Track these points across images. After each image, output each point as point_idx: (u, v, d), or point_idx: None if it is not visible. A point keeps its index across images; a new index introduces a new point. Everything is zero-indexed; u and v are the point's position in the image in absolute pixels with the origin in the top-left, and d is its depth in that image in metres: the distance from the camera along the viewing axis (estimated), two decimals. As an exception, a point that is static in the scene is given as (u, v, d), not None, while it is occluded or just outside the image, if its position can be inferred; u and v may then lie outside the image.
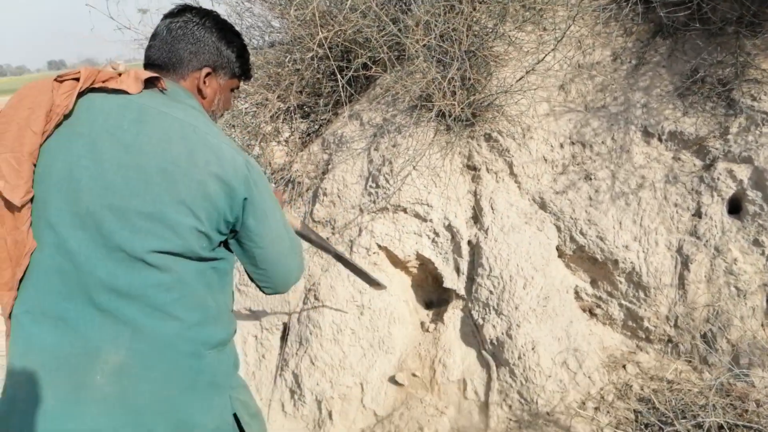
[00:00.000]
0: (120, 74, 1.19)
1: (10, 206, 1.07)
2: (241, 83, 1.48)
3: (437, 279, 2.72)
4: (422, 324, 2.66)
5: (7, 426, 1.07)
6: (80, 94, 1.14)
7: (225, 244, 1.25)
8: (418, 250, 2.60)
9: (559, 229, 2.41)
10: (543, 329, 2.28)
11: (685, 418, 1.81)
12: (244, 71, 1.42)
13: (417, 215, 2.53)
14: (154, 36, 1.32)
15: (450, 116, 2.47)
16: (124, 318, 1.08)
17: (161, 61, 1.28)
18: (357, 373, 2.52)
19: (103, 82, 1.16)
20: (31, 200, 1.09)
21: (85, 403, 1.05)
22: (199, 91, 1.31)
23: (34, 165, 1.09)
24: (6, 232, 1.08)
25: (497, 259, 2.34)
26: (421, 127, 2.58)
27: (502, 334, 2.31)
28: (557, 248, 2.43)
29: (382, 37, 2.41)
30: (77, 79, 1.14)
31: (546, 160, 2.50)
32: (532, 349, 2.25)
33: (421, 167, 2.50)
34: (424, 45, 2.26)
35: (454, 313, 2.51)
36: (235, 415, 1.27)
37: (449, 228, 2.49)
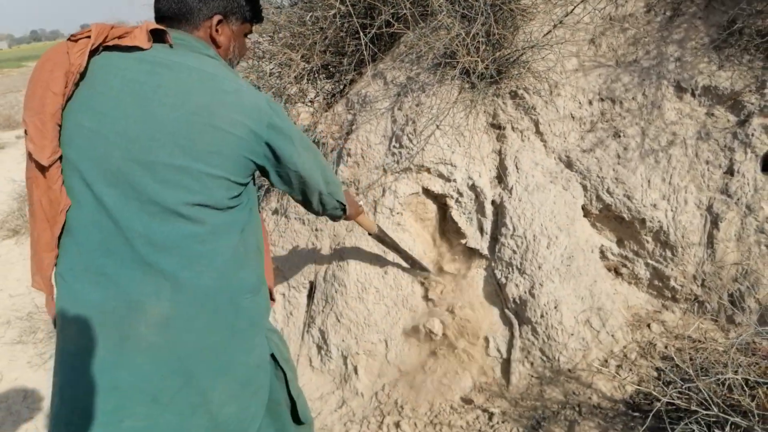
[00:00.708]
0: (133, 29, 1.19)
1: (41, 167, 1.11)
2: (254, 27, 1.47)
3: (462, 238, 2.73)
4: (444, 281, 2.68)
5: (58, 378, 1.14)
6: (94, 52, 1.15)
7: (253, 179, 1.32)
8: (441, 210, 2.60)
9: (585, 188, 2.38)
10: (566, 288, 2.29)
11: (707, 375, 1.81)
12: (255, 14, 1.42)
13: (441, 175, 2.52)
14: None
15: (474, 73, 2.42)
16: (163, 271, 1.12)
17: (171, 12, 1.28)
18: (381, 330, 2.57)
19: (117, 38, 1.16)
20: (60, 159, 1.12)
21: (132, 353, 1.10)
22: (213, 40, 1.31)
23: (59, 126, 1.12)
24: (41, 193, 1.12)
25: (521, 218, 2.33)
26: (445, 86, 2.54)
27: (525, 292, 2.33)
28: (583, 207, 2.41)
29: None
30: (90, 37, 1.14)
31: (573, 117, 2.44)
32: (555, 307, 2.26)
33: (445, 126, 2.48)
34: (448, 0, 2.21)
35: (477, 273, 2.53)
36: (272, 355, 1.35)
37: (473, 188, 2.48)
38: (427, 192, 2.59)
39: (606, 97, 2.44)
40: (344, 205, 1.65)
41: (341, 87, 3.16)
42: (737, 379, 1.67)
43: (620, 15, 2.57)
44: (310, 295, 2.84)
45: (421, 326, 2.56)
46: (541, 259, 2.29)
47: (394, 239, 2.37)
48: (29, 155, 1.12)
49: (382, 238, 2.27)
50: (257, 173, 1.33)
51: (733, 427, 1.62)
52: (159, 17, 1.30)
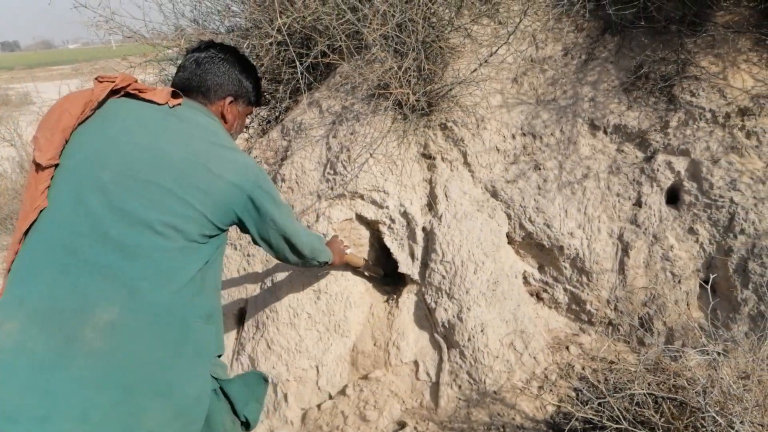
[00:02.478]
0: (155, 88, 1.41)
1: (37, 168, 1.22)
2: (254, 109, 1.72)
3: (393, 263, 2.79)
4: (377, 308, 2.72)
5: None
6: (115, 93, 1.34)
7: (224, 232, 1.44)
8: (375, 234, 2.66)
9: (509, 216, 2.51)
10: (492, 312, 2.38)
11: (618, 392, 1.94)
12: (257, 99, 1.67)
13: (374, 202, 2.58)
14: (182, 68, 1.52)
15: (406, 105, 2.53)
16: (124, 277, 1.16)
17: (191, 86, 1.50)
18: (313, 356, 2.57)
19: (139, 90, 1.36)
20: (55, 167, 1.23)
21: (73, 355, 1.09)
22: (222, 116, 1.55)
23: (66, 140, 1.25)
24: (29, 194, 1.22)
25: (450, 245, 2.42)
26: (378, 116, 2.63)
27: (454, 317, 2.40)
28: (507, 235, 2.53)
29: (341, 25, 2.45)
30: (112, 82, 1.33)
31: (498, 150, 2.59)
32: (481, 331, 2.35)
33: (378, 155, 2.56)
34: (382, 34, 2.31)
35: (408, 297, 2.59)
36: (215, 390, 1.35)
37: (405, 215, 2.56)
38: (360, 218, 2.64)
39: (527, 132, 2.60)
40: (327, 263, 1.95)
41: (276, 114, 3.19)
42: (644, 394, 1.79)
43: (540, 57, 2.77)
44: (240, 322, 2.79)
45: (353, 350, 2.57)
46: (469, 284, 2.38)
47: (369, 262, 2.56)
48: (32, 164, 1.22)
49: (368, 266, 2.47)
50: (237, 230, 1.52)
51: (640, 439, 1.74)
52: (180, 88, 1.49)
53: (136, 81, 1.38)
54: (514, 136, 2.60)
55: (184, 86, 1.51)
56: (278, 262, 2.68)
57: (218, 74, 1.52)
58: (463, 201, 2.50)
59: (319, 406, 2.52)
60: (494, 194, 2.54)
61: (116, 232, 1.18)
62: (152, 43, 3.00)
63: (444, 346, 2.44)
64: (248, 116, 1.72)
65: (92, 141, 1.26)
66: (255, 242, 1.56)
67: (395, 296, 2.68)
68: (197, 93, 1.50)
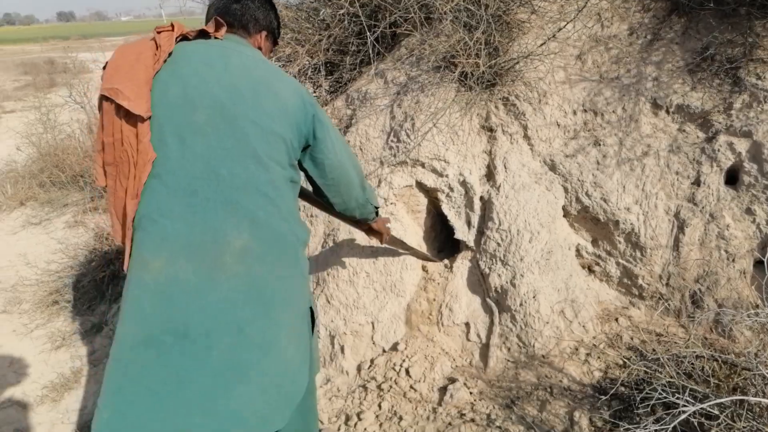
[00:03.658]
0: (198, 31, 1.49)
1: (134, 123, 1.29)
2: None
3: (448, 230, 2.91)
4: (431, 271, 2.85)
5: (139, 307, 1.23)
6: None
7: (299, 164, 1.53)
8: (433, 202, 2.78)
9: (566, 190, 2.58)
10: (544, 280, 2.48)
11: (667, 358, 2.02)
12: (278, 36, 1.78)
13: (434, 170, 2.70)
14: (218, 4, 1.62)
15: (471, 78, 2.62)
16: (244, 210, 1.29)
17: (234, 19, 1.60)
18: (369, 312, 2.72)
19: (192, 31, 1.47)
20: (149, 119, 1.30)
21: (219, 280, 1.24)
22: (259, 49, 1.65)
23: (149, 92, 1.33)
24: (131, 148, 1.29)
25: (507, 214, 2.52)
26: (443, 87, 2.73)
27: (507, 282, 2.51)
28: (563, 208, 2.61)
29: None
30: (171, 30, 1.43)
31: (559, 125, 2.66)
32: (534, 297, 2.45)
33: (441, 125, 2.66)
34: (453, 7, 2.39)
35: (462, 263, 2.70)
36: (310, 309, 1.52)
37: (463, 184, 2.66)
38: (420, 185, 2.76)
39: (589, 109, 2.66)
40: (377, 208, 1.90)
41: (341, 84, 3.32)
42: (693, 356, 1.87)
43: (605, 35, 2.80)
44: (302, 278, 2.97)
45: (407, 309, 2.72)
46: (524, 252, 2.48)
47: (402, 240, 2.54)
48: (120, 115, 1.28)
49: (395, 239, 2.43)
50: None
51: (690, 395, 1.82)
52: (219, 17, 1.57)
53: (184, 27, 1.46)
54: (575, 112, 2.66)
55: (228, 18, 1.59)
56: (337, 222, 2.83)
57: (255, 9, 1.62)
58: (521, 173, 2.58)
59: (372, 359, 2.68)
60: (552, 168, 2.61)
61: (226, 170, 1.29)
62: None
63: (495, 310, 2.55)
64: (271, 54, 1.79)
65: (173, 88, 1.33)
66: (316, 171, 1.56)
67: (449, 261, 2.81)
68: (237, 27, 1.60)
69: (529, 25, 2.80)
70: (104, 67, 1.36)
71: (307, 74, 3.15)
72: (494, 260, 2.56)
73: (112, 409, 1.18)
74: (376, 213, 1.97)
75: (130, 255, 1.30)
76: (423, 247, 2.87)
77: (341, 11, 2.77)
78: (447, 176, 2.68)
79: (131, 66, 1.32)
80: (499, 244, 2.54)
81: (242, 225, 1.28)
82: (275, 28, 1.71)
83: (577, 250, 2.65)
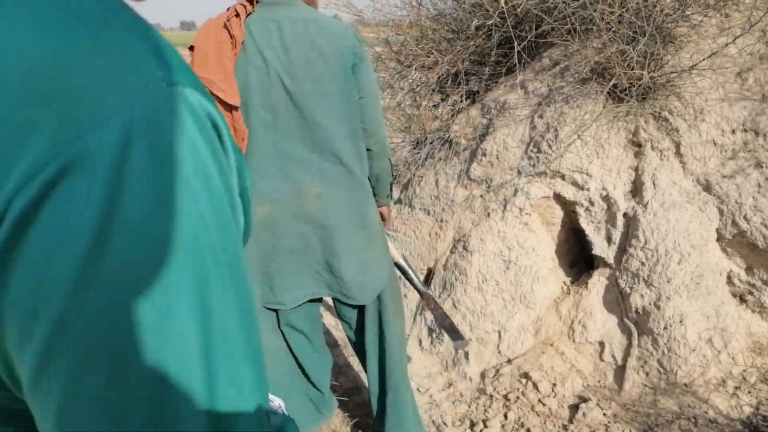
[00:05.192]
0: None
1: (228, 110, 1.53)
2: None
3: (582, 244, 2.85)
4: (563, 285, 2.80)
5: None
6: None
7: None
8: (570, 215, 2.73)
9: (721, 212, 2.45)
10: (693, 305, 2.36)
11: None
12: None
13: (575, 183, 2.65)
14: None
15: (622, 90, 2.55)
16: (315, 166, 1.67)
17: None
18: (497, 321, 2.71)
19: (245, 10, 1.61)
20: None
21: (305, 219, 1.70)
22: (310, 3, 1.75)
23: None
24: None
25: (655, 232, 2.43)
26: (590, 99, 2.68)
27: (650, 304, 2.41)
28: (717, 231, 2.47)
29: (567, 7, 2.53)
30: (238, 15, 1.57)
31: (716, 143, 2.53)
32: (680, 322, 2.33)
33: (586, 137, 2.62)
34: (614, 19, 2.36)
35: (598, 280, 2.63)
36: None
37: (606, 198, 2.60)
38: (557, 197, 2.72)
39: (750, 129, 2.51)
40: (391, 165, 1.94)
41: (476, 93, 3.35)
42: None
43: (772, 52, 2.64)
44: (427, 281, 3.01)
45: (536, 321, 2.68)
46: (671, 273, 2.37)
47: (414, 271, 2.28)
48: (218, 104, 1.53)
49: (404, 268, 2.22)
50: None
51: None
52: None
53: (244, 6, 1.60)
54: (734, 131, 2.52)
55: None
56: (468, 228, 2.85)
57: None
58: (672, 191, 2.48)
59: (497, 368, 2.67)
60: (707, 188, 2.49)
61: (299, 133, 1.63)
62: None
63: (635, 331, 2.46)
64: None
65: (250, 72, 1.56)
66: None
67: (584, 277, 2.74)
68: None
69: (686, 40, 2.70)
70: (191, 48, 1.57)
71: (446, 83, 3.21)
72: (637, 279, 2.46)
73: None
74: (391, 189, 2.04)
75: None
76: (555, 261, 2.82)
77: (489, 22, 2.80)
78: (588, 189, 2.62)
79: (216, 56, 1.52)
80: (643, 264, 2.45)
81: (316, 178, 1.68)
82: None
83: (728, 277, 2.49)
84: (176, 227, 0.30)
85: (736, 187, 2.44)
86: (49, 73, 0.29)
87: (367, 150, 1.75)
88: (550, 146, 2.68)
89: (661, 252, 2.41)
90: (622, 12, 2.28)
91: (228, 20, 1.54)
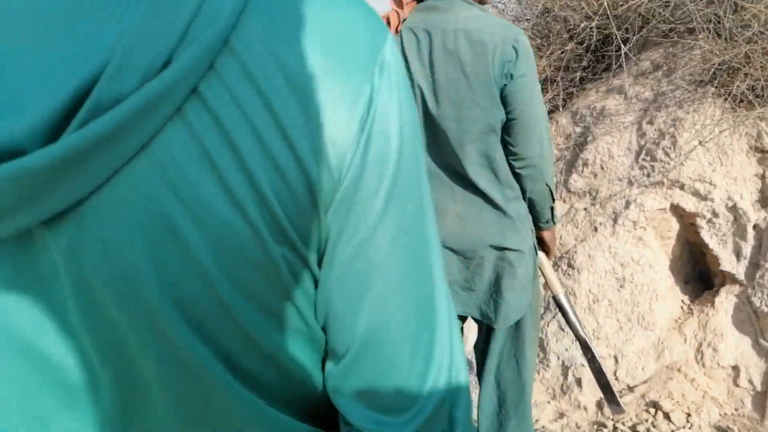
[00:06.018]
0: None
1: None
2: None
3: (699, 259, 2.65)
4: (681, 304, 2.59)
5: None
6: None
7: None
8: (687, 228, 2.53)
9: None
10: None
11: None
12: None
13: (696, 193, 2.45)
14: None
15: (747, 92, 2.37)
16: (456, 184, 1.57)
17: None
18: (612, 345, 2.51)
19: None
20: None
21: (444, 238, 1.57)
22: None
23: None
24: None
25: (796, 245, 2.22)
26: (706, 103, 2.49)
27: (796, 323, 2.20)
28: None
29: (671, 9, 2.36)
30: (388, 23, 1.48)
31: None
32: (834, 343, 2.12)
33: (708, 144, 2.43)
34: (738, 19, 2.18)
35: (727, 298, 2.42)
36: None
37: (733, 209, 2.40)
38: (674, 209, 2.53)
39: None
40: (552, 191, 1.68)
41: (561, 101, 3.18)
42: None
43: None
44: (526, 302, 2.81)
45: (657, 345, 2.47)
46: (819, 290, 2.17)
47: (574, 310, 1.97)
48: None
49: (563, 306, 1.94)
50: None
51: None
52: None
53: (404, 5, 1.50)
54: None
55: None
56: (574, 243, 2.65)
57: None
58: (810, 199, 2.28)
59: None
60: None
61: (442, 152, 1.55)
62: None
63: (775, 354, 2.24)
64: None
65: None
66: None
67: (707, 295, 2.53)
68: None
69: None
70: None
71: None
72: (776, 297, 2.26)
73: None
74: (552, 213, 1.72)
75: None
76: (671, 278, 2.62)
77: (591, 24, 2.63)
78: (712, 200, 2.42)
79: None
80: (783, 280, 2.24)
81: (457, 196, 1.62)
82: None
83: None
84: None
85: None
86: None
87: (518, 173, 1.58)
88: (667, 154, 2.49)
89: (805, 267, 2.20)
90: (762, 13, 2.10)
91: (387, 22, 1.46)
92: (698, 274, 2.71)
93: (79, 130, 0.29)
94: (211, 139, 0.33)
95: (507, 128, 1.50)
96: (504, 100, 1.45)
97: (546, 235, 1.77)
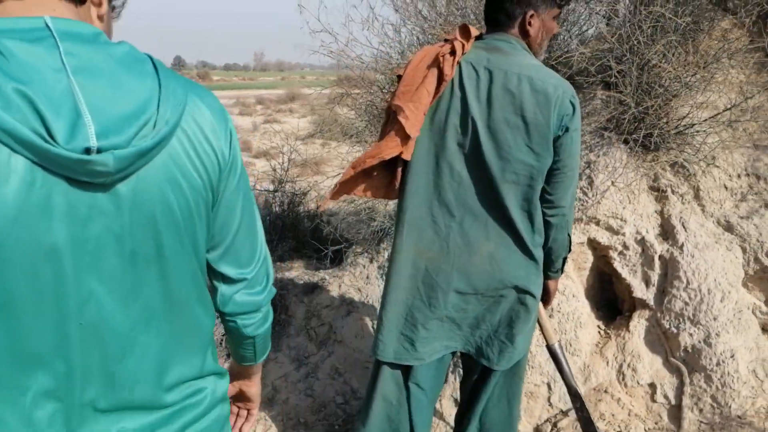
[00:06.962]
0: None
1: (406, 138, 1.50)
2: (562, 8, 1.70)
3: (607, 287, 2.92)
4: (598, 329, 2.83)
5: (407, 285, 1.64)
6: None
7: None
8: (599, 260, 2.79)
9: (744, 250, 2.66)
10: (738, 339, 2.51)
11: None
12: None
13: (609, 228, 2.72)
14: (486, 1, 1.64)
15: (642, 141, 2.71)
16: (489, 224, 1.58)
17: (495, 20, 1.59)
18: (545, 372, 2.65)
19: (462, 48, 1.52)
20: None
21: (471, 274, 1.60)
22: (526, 32, 1.58)
23: (424, 115, 1.53)
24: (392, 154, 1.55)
25: (695, 273, 2.56)
26: (612, 147, 2.80)
27: (700, 342, 2.52)
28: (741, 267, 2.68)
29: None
30: (453, 53, 1.48)
31: (726, 187, 2.76)
32: (731, 356, 2.46)
33: (619, 183, 2.71)
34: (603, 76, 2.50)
35: (639, 322, 2.70)
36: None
37: (641, 242, 2.70)
38: (590, 242, 2.77)
39: (751, 173, 2.79)
40: (570, 240, 1.77)
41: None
42: None
43: (750, 106, 2.98)
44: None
45: (583, 369, 2.66)
46: (716, 311, 2.51)
47: (566, 360, 2.09)
48: (398, 129, 1.52)
49: (557, 357, 2.05)
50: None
51: None
52: (488, 24, 1.63)
53: (462, 45, 1.49)
54: (739, 176, 2.78)
55: (491, 21, 1.59)
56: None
57: None
58: (701, 232, 2.65)
59: (554, 422, 2.59)
60: (728, 228, 2.70)
61: (478, 190, 1.56)
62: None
63: (684, 370, 2.54)
64: (556, 18, 1.64)
65: (444, 115, 1.53)
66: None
67: (620, 320, 2.79)
68: (502, 22, 1.56)
69: (678, 94, 2.94)
70: (398, 77, 1.58)
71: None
72: (682, 319, 2.56)
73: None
74: (563, 264, 1.82)
75: None
76: (586, 306, 2.85)
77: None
78: (623, 234, 2.70)
79: (419, 89, 1.49)
80: (687, 303, 2.56)
81: (490, 234, 1.62)
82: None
83: (752, 310, 2.70)
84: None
85: (755, 227, 2.67)
86: None
87: (547, 221, 1.63)
88: (585, 193, 2.73)
89: (704, 291, 2.54)
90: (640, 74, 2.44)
91: (442, 56, 1.44)
92: (605, 301, 3.00)
93: (138, 144, 0.69)
94: (186, 150, 0.76)
95: (548, 176, 1.54)
96: (554, 150, 1.49)
97: (551, 284, 1.83)
